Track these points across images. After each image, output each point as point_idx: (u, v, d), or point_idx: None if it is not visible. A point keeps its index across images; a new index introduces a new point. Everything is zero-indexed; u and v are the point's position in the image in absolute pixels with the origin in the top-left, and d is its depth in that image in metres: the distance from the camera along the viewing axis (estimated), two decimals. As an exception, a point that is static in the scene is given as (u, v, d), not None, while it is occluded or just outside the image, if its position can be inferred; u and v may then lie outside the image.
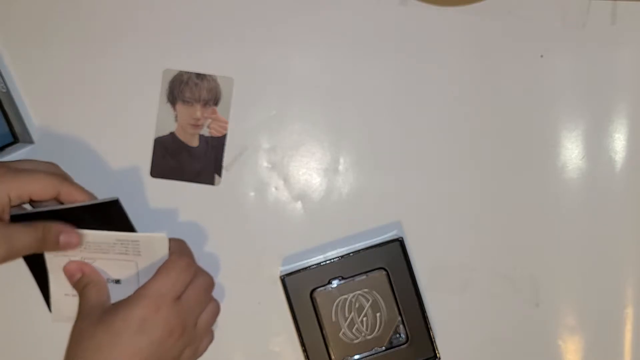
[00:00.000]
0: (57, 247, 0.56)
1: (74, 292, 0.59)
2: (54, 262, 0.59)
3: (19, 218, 0.56)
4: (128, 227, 0.57)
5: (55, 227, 0.56)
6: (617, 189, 0.64)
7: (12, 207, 0.56)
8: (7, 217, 0.55)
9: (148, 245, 0.58)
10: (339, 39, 0.64)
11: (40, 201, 0.57)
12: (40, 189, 0.56)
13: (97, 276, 0.58)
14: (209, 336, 0.60)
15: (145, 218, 0.62)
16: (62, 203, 0.58)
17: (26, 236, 0.54)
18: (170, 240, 0.58)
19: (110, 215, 0.57)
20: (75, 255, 0.58)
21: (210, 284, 0.59)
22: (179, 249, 0.58)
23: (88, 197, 0.58)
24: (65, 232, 0.56)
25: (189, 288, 0.56)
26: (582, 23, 0.64)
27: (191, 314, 0.56)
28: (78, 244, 0.57)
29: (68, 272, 0.58)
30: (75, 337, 0.55)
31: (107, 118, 0.64)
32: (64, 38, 0.64)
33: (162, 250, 0.58)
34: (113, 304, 0.56)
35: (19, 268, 0.62)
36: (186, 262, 0.57)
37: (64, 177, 0.58)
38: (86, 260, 0.58)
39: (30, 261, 0.60)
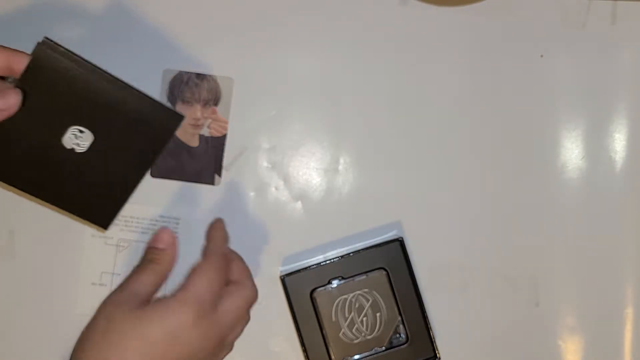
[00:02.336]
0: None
1: (102, 281, 0.60)
2: (90, 245, 0.60)
3: None
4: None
5: None
6: (617, 189, 0.64)
7: None
8: None
9: None
10: (339, 39, 0.64)
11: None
12: None
13: (169, 263, 0.53)
14: (229, 349, 0.56)
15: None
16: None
17: None
18: (211, 228, 0.56)
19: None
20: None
21: (253, 299, 0.55)
22: (216, 242, 0.55)
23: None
24: None
25: (231, 299, 0.53)
26: (582, 23, 0.64)
27: (228, 330, 0.53)
28: (16, 99, 0.50)
29: (158, 236, 0.54)
30: (107, 320, 0.50)
31: (107, 118, 0.64)
32: (63, 38, 0.64)
33: None
34: (151, 303, 0.51)
35: (20, 269, 0.62)
36: (222, 260, 0.54)
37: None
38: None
39: None
